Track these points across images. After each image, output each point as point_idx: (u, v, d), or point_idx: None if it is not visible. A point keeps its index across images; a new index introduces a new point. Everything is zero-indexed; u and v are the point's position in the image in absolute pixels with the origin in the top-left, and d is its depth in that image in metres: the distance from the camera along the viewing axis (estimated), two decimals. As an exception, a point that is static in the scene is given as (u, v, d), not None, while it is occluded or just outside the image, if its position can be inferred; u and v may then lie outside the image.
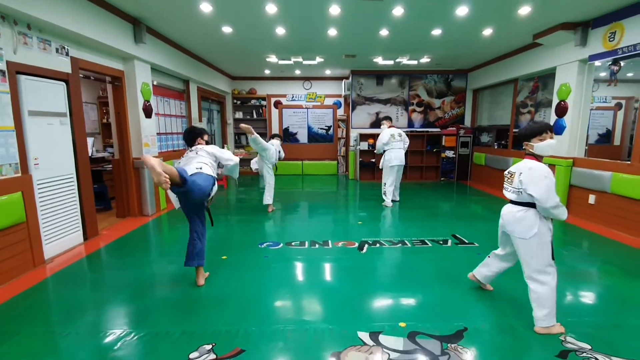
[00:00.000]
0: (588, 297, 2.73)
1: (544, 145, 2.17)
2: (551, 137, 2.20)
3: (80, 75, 3.98)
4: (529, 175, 2.12)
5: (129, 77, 4.71)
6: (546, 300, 2.15)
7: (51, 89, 3.48)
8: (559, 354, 1.96)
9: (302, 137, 9.62)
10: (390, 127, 5.85)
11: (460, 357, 1.94)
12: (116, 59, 4.55)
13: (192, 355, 1.97)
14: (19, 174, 3.08)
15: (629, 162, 4.21)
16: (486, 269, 2.66)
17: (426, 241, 3.98)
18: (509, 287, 2.81)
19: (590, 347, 2.03)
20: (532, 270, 2.20)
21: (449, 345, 2.05)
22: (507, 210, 2.31)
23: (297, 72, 8.55)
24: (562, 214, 2.16)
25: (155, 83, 5.52)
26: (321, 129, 9.62)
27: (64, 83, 3.64)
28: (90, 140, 5.68)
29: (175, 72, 5.94)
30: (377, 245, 3.86)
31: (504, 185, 2.34)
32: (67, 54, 3.70)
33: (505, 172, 2.35)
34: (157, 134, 5.48)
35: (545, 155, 2.22)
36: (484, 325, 2.27)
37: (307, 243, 3.93)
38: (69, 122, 3.71)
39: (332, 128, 9.60)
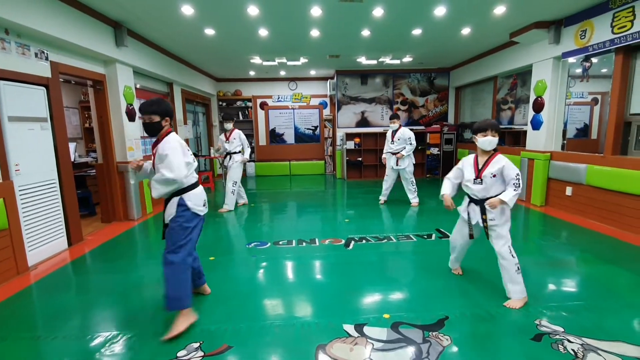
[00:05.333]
0: (564, 284, 2.85)
1: (483, 141, 2.48)
2: (493, 135, 2.47)
3: (61, 79, 3.95)
4: None
5: (110, 81, 4.68)
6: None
7: (31, 94, 3.44)
8: (534, 337, 2.06)
9: (289, 137, 9.65)
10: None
11: (441, 344, 2.02)
12: (97, 63, 4.52)
13: (180, 354, 1.99)
14: (0, 180, 3.04)
15: (602, 155, 4.39)
16: None
17: (411, 236, 4.07)
18: (489, 278, 2.92)
19: (563, 330, 2.13)
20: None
21: (430, 333, 2.13)
22: None
23: (282, 73, 8.58)
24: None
25: (138, 86, 5.49)
26: (308, 129, 9.67)
27: (44, 88, 3.60)
28: (72, 146, 5.61)
29: (158, 75, 5.91)
30: (364, 241, 3.93)
31: None
32: (46, 59, 3.66)
33: None
34: (141, 137, 5.44)
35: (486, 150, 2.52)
36: (464, 313, 2.36)
37: (294, 242, 3.97)
38: (50, 127, 3.67)
39: (318, 128, 9.66)
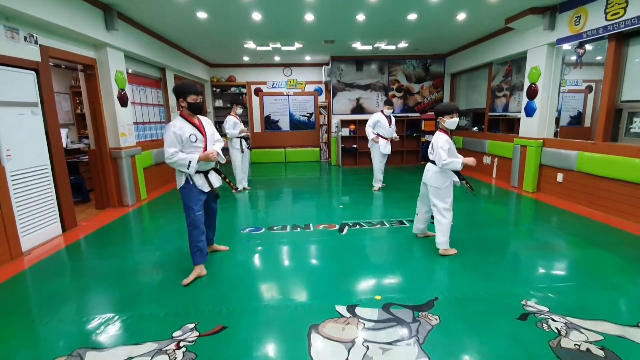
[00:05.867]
0: (552, 267, 2.91)
1: (452, 122, 2.93)
2: (457, 116, 2.95)
3: (51, 63, 3.88)
4: (434, 144, 2.98)
5: (101, 65, 4.60)
6: (445, 231, 3.02)
7: (20, 78, 3.39)
8: (520, 317, 2.13)
9: (284, 124, 9.61)
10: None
11: (430, 323, 2.08)
12: (87, 47, 4.43)
13: (175, 334, 2.04)
14: (-9, 166, 3.02)
15: (593, 142, 4.44)
16: (420, 223, 3.46)
17: (404, 221, 4.12)
18: (481, 263, 2.98)
19: (548, 310, 2.20)
20: (438, 210, 3.06)
21: (420, 313, 2.19)
22: (428, 167, 3.13)
23: (277, 58, 8.48)
24: (455, 166, 2.89)
25: (130, 71, 5.40)
26: (303, 116, 9.63)
27: (33, 72, 3.54)
28: (64, 131, 5.54)
29: (150, 60, 5.81)
30: (357, 226, 3.98)
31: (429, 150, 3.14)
32: (36, 42, 3.58)
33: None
34: (134, 123, 5.39)
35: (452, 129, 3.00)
36: (453, 295, 2.42)
37: (289, 227, 4.01)
38: (40, 112, 3.62)
39: (313, 115, 9.62)
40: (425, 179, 3.16)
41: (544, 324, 2.04)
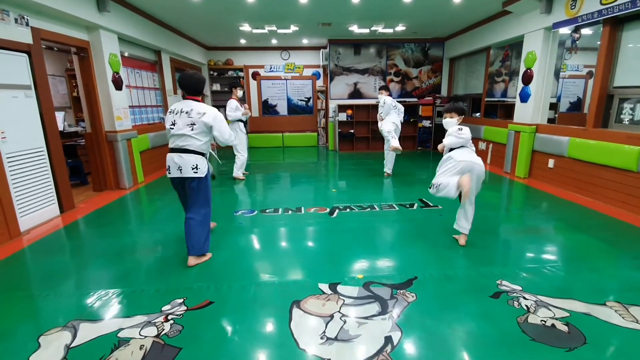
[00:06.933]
0: (533, 249, 2.99)
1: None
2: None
3: (43, 46, 3.89)
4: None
5: (95, 48, 4.60)
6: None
7: (12, 60, 3.41)
8: (493, 295, 2.23)
9: (282, 109, 9.58)
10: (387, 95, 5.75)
11: (406, 300, 2.18)
12: (80, 29, 4.42)
13: (164, 308, 2.15)
14: (-13, 148, 3.09)
15: (584, 128, 4.46)
16: (465, 219, 3.01)
17: (394, 205, 4.20)
18: (467, 246, 3.07)
19: (520, 288, 2.30)
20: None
21: (398, 291, 2.29)
22: (474, 158, 2.84)
23: (274, 41, 8.40)
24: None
25: (126, 54, 5.40)
26: (301, 100, 9.59)
27: (25, 54, 3.56)
28: (60, 115, 5.58)
29: (145, 43, 5.79)
30: (348, 210, 4.06)
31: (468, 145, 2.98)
32: (27, 24, 3.59)
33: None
34: (130, 106, 5.42)
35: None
36: (433, 275, 2.52)
37: (280, 210, 4.10)
38: (34, 94, 3.66)
39: (311, 99, 9.58)
40: (478, 170, 2.80)
41: (514, 302, 2.14)
